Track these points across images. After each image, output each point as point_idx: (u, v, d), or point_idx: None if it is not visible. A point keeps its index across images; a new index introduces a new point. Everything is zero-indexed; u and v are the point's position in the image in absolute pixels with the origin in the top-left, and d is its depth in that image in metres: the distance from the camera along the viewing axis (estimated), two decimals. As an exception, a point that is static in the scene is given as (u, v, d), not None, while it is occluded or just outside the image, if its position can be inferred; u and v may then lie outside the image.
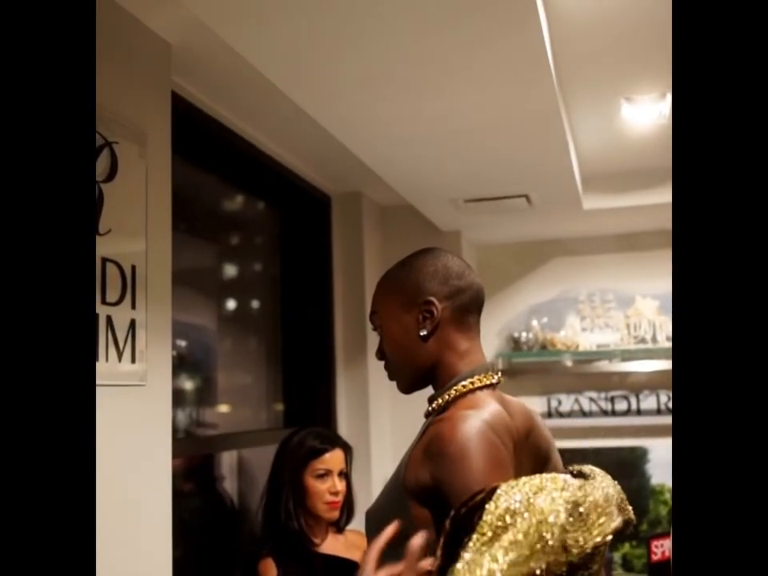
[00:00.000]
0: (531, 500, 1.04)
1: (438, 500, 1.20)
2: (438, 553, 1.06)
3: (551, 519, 1.04)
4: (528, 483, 1.06)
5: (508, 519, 1.02)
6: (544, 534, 1.01)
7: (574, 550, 1.01)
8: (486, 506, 1.03)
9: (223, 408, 2.95)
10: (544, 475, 1.10)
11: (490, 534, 1.01)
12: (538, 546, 1.00)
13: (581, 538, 1.03)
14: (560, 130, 2.40)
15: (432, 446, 1.22)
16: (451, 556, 1.04)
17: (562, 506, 1.02)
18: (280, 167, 3.00)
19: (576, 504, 1.04)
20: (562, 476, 1.10)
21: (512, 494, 1.04)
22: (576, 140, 2.95)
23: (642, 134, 2.89)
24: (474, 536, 1.01)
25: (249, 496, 2.90)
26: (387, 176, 2.87)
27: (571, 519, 1.02)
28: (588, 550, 1.02)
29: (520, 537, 1.00)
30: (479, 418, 1.22)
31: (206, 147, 2.57)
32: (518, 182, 2.96)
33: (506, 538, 1.00)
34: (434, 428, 1.26)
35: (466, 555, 0.99)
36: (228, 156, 2.71)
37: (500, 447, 1.19)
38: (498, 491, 1.05)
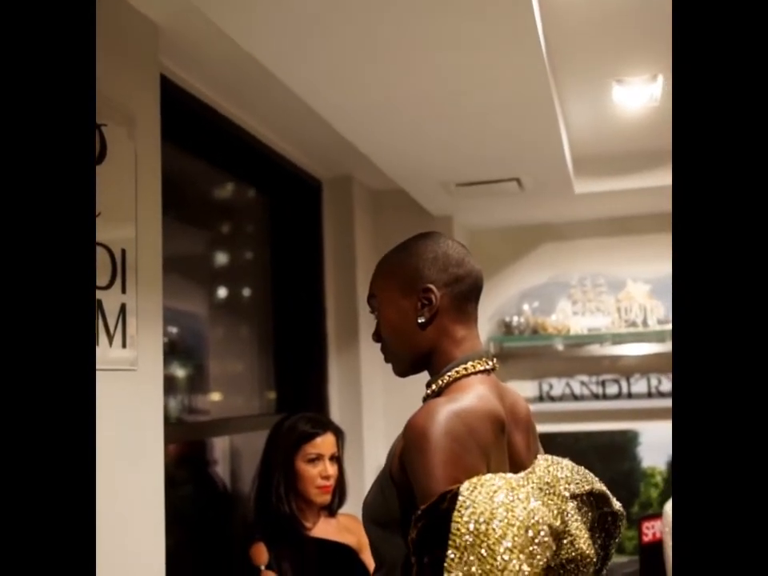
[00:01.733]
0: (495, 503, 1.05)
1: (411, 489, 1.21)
2: (412, 560, 1.08)
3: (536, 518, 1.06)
4: (486, 484, 1.08)
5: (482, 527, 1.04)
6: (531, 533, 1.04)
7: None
8: (453, 515, 1.05)
9: (215, 396, 2.95)
10: (499, 474, 1.12)
11: (463, 544, 1.03)
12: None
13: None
14: (551, 113, 2.39)
15: (404, 435, 1.23)
16: (424, 562, 1.06)
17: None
18: (270, 152, 2.98)
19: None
20: (510, 475, 1.15)
21: (474, 497, 1.06)
22: (567, 123, 2.94)
23: (633, 116, 2.88)
24: (449, 552, 1.03)
25: (241, 482, 2.89)
26: (378, 160, 2.85)
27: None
28: None
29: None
30: (452, 407, 1.21)
31: (194, 132, 2.55)
32: (510, 165, 2.95)
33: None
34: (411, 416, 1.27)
35: None
36: (217, 141, 2.69)
37: (464, 439, 1.17)
38: (460, 498, 1.06)
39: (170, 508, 1.82)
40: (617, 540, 1.36)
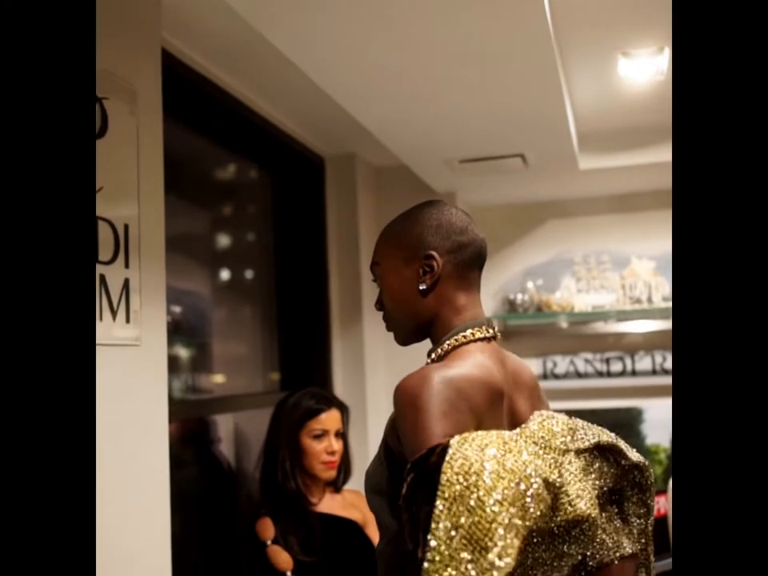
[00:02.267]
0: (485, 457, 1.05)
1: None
2: (404, 517, 1.06)
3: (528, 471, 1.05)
4: (477, 439, 1.07)
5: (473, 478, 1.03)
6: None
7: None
8: (443, 466, 1.04)
9: (218, 376, 2.95)
10: (491, 432, 1.11)
11: (452, 495, 1.02)
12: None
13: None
14: (556, 87, 2.37)
15: (394, 397, 1.23)
16: (414, 516, 1.05)
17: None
18: (273, 128, 2.96)
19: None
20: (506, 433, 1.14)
21: (465, 450, 1.05)
22: (572, 97, 2.91)
23: (639, 90, 2.85)
24: (438, 502, 1.01)
25: (246, 459, 2.90)
26: (381, 135, 2.83)
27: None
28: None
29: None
30: (444, 372, 1.21)
31: (196, 107, 2.53)
32: (514, 140, 2.92)
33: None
34: None
35: (432, 542, 1.00)
36: (219, 117, 2.68)
37: (455, 401, 1.17)
38: (450, 450, 1.05)
39: (174, 486, 1.82)
40: (653, 491, 1.32)
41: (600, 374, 3.92)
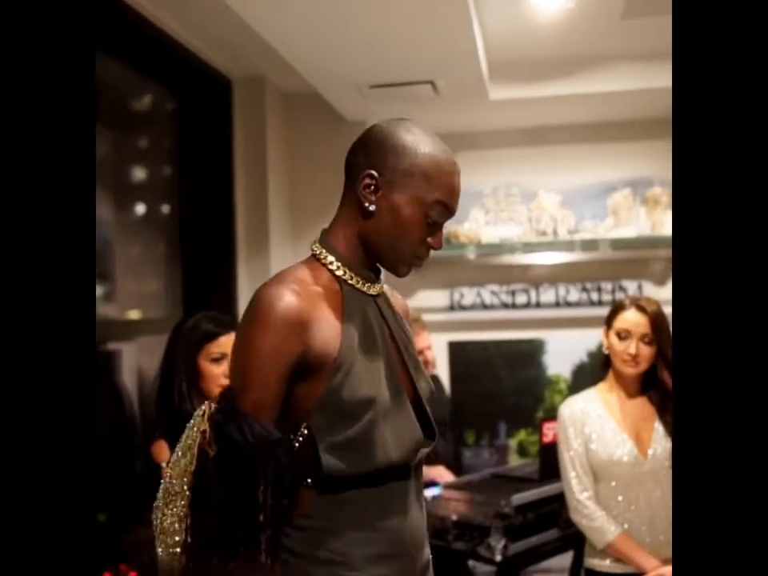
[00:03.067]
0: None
1: None
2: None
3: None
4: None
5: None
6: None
7: None
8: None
9: (122, 308, 2.87)
10: None
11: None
12: None
13: None
14: (464, 10, 2.34)
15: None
16: None
17: None
18: (177, 46, 2.83)
19: None
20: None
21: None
22: (482, 24, 2.88)
23: (549, 19, 2.84)
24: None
25: (147, 387, 2.85)
26: (290, 57, 2.76)
27: None
28: None
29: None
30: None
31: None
32: (423, 66, 2.89)
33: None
34: None
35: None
36: (117, 32, 2.54)
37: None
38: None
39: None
40: None
41: (505, 306, 3.99)
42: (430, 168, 1.25)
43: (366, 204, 1.25)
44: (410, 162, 1.24)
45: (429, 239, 1.28)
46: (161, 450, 2.22)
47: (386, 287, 1.41)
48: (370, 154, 1.26)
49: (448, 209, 1.28)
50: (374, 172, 1.24)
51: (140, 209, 3.10)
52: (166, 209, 3.22)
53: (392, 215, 1.25)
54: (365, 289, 1.30)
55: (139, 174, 3.12)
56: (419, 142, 1.26)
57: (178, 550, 1.17)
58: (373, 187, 1.25)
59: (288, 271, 1.26)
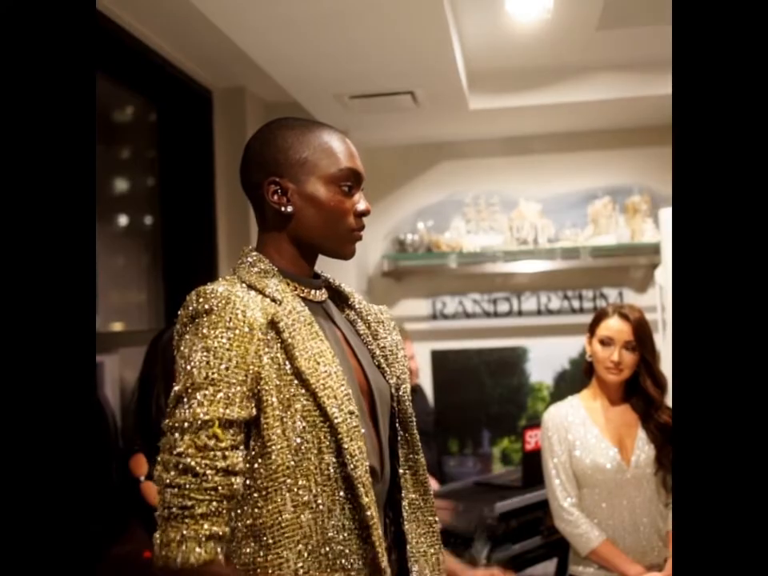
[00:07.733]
0: None
1: None
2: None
3: None
4: None
5: None
6: None
7: None
8: None
9: (103, 319, 2.86)
10: None
11: None
12: None
13: None
14: (442, 21, 2.35)
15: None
16: None
17: None
18: (158, 58, 2.83)
19: None
20: None
21: None
22: (461, 34, 2.90)
23: (527, 30, 2.86)
24: None
25: (129, 399, 2.83)
26: (270, 67, 2.76)
27: None
28: None
29: None
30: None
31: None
32: (403, 77, 2.90)
33: None
34: None
35: None
36: (100, 45, 2.53)
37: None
38: None
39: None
40: None
41: (487, 314, 4.00)
42: (319, 144, 1.25)
43: (283, 209, 1.24)
44: (299, 149, 1.24)
45: (356, 207, 1.28)
46: (139, 463, 2.21)
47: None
48: (261, 165, 1.26)
49: (355, 172, 1.27)
50: (273, 177, 1.24)
51: (122, 220, 3.08)
52: (147, 220, 3.21)
53: (311, 204, 1.25)
54: (311, 297, 1.30)
55: (121, 185, 3.11)
56: (296, 128, 1.26)
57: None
58: (280, 190, 1.24)
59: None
